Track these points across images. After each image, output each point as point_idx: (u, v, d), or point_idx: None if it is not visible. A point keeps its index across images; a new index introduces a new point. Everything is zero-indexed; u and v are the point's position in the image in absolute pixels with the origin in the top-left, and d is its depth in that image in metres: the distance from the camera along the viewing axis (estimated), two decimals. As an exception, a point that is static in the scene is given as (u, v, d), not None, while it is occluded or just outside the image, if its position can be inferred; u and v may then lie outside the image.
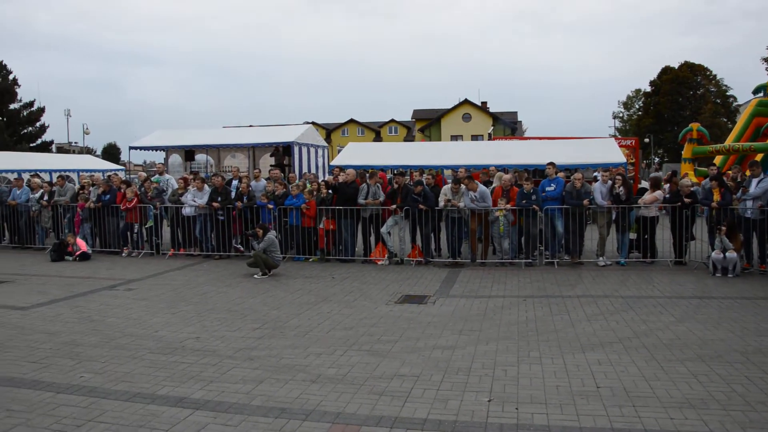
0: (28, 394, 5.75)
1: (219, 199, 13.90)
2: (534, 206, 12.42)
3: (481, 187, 12.91)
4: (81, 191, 15.72)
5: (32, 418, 5.18)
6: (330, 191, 13.65)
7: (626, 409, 5.15)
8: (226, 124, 59.20)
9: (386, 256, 13.12)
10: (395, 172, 15.07)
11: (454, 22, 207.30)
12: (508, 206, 12.59)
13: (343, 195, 13.37)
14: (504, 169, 15.94)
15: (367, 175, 14.12)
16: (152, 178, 15.77)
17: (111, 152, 76.00)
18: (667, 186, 13.43)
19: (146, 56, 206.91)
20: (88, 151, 64.41)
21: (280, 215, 13.71)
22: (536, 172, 15.16)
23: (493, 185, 13.81)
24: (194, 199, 14.10)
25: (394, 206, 12.97)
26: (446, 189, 13.17)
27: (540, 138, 26.39)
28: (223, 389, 5.74)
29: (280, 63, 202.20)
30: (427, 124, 70.24)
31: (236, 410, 5.25)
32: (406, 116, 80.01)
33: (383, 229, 13.07)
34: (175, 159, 29.00)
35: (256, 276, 11.65)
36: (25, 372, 6.38)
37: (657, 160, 58.18)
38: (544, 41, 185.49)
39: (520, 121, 76.36)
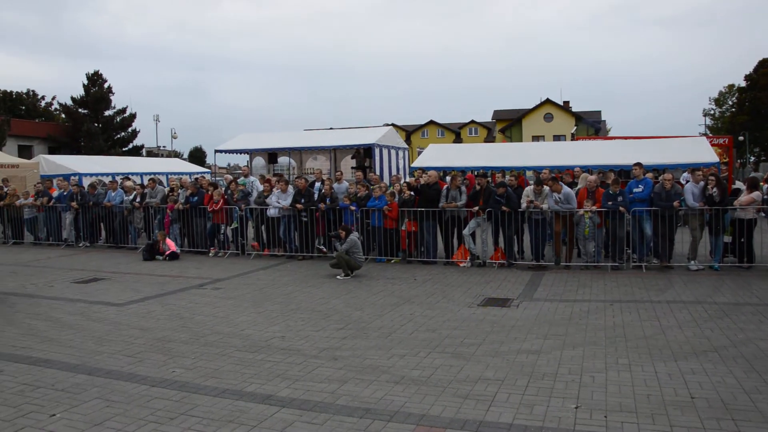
0: (125, 386, 5.99)
1: (302, 200, 14.12)
2: (621, 208, 12.05)
3: (566, 188, 12.64)
4: (170, 193, 16.30)
5: (129, 409, 5.39)
6: (412, 193, 13.66)
7: (725, 422, 4.90)
8: (308, 127, 60.32)
9: (468, 258, 13.02)
10: (477, 173, 14.95)
11: (536, 21, 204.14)
12: (594, 208, 12.28)
13: (426, 197, 13.35)
14: (588, 169, 15.57)
15: (448, 177, 14.05)
16: (238, 180, 16.16)
17: (197, 155, 78.36)
18: (766, 186, 12.78)
19: (231, 62, 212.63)
20: (176, 154, 66.68)
21: (363, 217, 13.82)
22: (621, 173, 14.72)
23: (578, 186, 13.50)
24: (278, 201, 14.39)
25: (476, 208, 12.86)
26: (529, 190, 12.95)
27: (625, 138, 25.66)
28: (308, 388, 5.82)
29: (361, 66, 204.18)
30: (508, 124, 69.37)
31: (321, 409, 5.31)
32: (487, 117, 79.26)
33: (465, 231, 12.97)
34: (259, 162, 29.71)
35: (338, 277, 11.78)
36: (122, 365, 6.65)
37: (753, 159, 55.59)
38: (628, 38, 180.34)
39: (604, 121, 74.38)
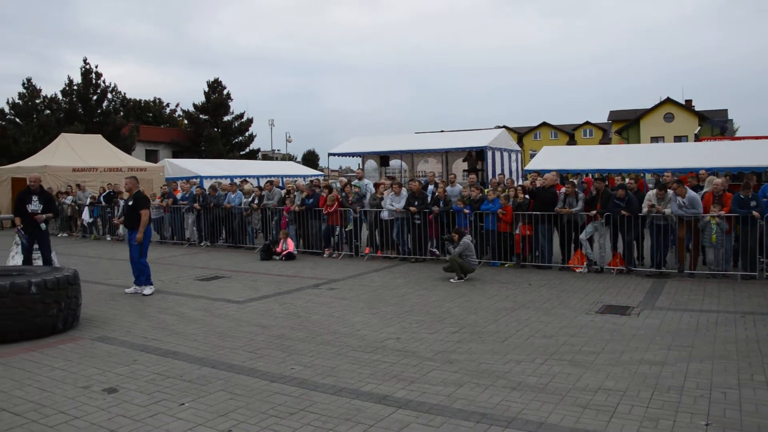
0: (247, 380, 6.21)
1: (416, 203, 14.17)
2: (753, 213, 11.33)
3: (690, 192, 12.01)
4: (287, 195, 16.80)
5: (251, 402, 5.58)
6: (527, 196, 13.42)
7: None
8: (418, 130, 60.54)
9: (585, 263, 12.64)
10: (595, 176, 14.49)
11: (653, 15, 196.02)
12: (722, 213, 11.61)
13: (541, 200, 13.08)
14: (715, 172, 14.78)
15: (574, 180, 13.68)
16: (352, 183, 16.43)
17: (310, 158, 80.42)
18: None
19: (339, 67, 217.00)
20: (290, 157, 68.65)
21: (476, 220, 13.70)
22: (757, 177, 13.85)
23: (704, 190, 12.82)
24: (392, 204, 14.52)
25: (593, 212, 12.47)
26: (651, 194, 12.41)
27: (756, 137, 24.18)
28: (424, 390, 5.82)
29: (468, 67, 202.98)
30: (625, 125, 66.80)
31: (437, 411, 5.30)
32: (602, 118, 76.75)
33: (582, 236, 12.61)
34: (371, 164, 30.10)
35: (452, 280, 11.73)
36: (243, 360, 6.90)
37: None
38: (756, 29, 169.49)
39: (731, 120, 70.19)
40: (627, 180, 14.08)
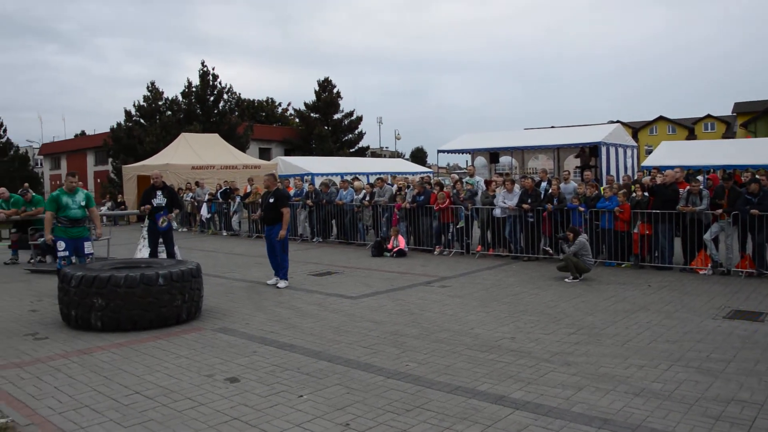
0: (362, 375, 6.27)
1: (529, 200, 13.91)
2: None
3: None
4: (398, 192, 16.90)
5: (368, 398, 5.63)
6: (646, 194, 12.87)
7: None
8: (526, 126, 59.38)
9: (709, 265, 11.99)
10: (719, 173, 13.73)
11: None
12: None
13: (661, 197, 12.51)
14: None
15: (699, 177, 13.01)
16: (464, 180, 16.32)
17: (418, 155, 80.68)
18: None
19: (445, 63, 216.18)
20: (398, 155, 69.12)
21: (592, 218, 13.29)
22: None
23: None
24: (504, 201, 14.31)
25: (719, 211, 11.80)
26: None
27: None
28: (541, 392, 5.69)
29: (577, 61, 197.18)
30: (752, 118, 62.84)
31: (556, 415, 5.16)
32: (725, 110, 72.61)
33: (706, 236, 11.96)
34: (480, 161, 29.85)
35: (566, 280, 11.43)
36: (359, 355, 6.98)
37: None
38: None
39: None
40: (757, 176, 13.23)
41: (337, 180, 24.57)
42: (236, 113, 44.02)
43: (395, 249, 15.14)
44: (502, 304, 9.62)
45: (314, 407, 5.42)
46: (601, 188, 13.51)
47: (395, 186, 18.25)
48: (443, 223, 15.50)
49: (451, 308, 9.37)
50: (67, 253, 10.21)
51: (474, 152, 28.34)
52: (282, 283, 11.33)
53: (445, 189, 15.83)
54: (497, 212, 14.52)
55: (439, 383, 5.99)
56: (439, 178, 25.01)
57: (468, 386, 5.89)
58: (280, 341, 7.65)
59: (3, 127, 46.50)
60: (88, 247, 10.52)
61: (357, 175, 25.74)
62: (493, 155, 28.69)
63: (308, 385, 6.02)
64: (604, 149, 23.18)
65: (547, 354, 6.91)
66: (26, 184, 19.92)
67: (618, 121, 53.28)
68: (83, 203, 10.47)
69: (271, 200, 11.38)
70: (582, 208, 13.22)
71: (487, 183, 16.57)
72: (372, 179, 23.27)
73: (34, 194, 15.79)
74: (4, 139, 46.39)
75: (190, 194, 24.76)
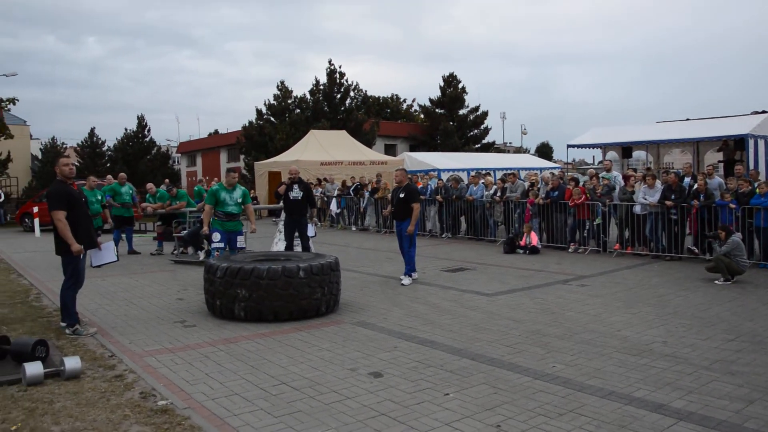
0: (508, 375, 6.08)
1: (672, 196, 13.14)
2: None
3: None
4: (531, 188, 16.48)
5: (516, 399, 5.44)
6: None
7: None
8: (658, 118, 56.48)
9: None
10: None
11: None
12: None
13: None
14: None
15: None
16: (600, 175, 15.68)
17: (543, 151, 78.74)
18: None
19: (567, 56, 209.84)
20: (523, 150, 67.71)
21: (744, 215, 12.37)
22: None
23: None
24: (645, 197, 13.61)
25: None
26: None
27: None
28: (705, 402, 5.28)
29: (709, 48, 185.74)
30: None
31: (727, 428, 4.75)
32: None
33: None
34: (611, 156, 28.64)
35: (717, 282, 10.69)
36: (502, 354, 6.79)
37: None
38: None
39: None
40: None
41: (464, 176, 24.36)
42: (362, 110, 44.63)
43: (528, 246, 14.76)
44: (647, 305, 9.11)
45: (462, 406, 5.30)
46: (757, 184, 12.51)
47: (527, 182, 17.82)
48: (579, 219, 14.96)
49: (592, 308, 8.97)
50: (222, 245, 10.69)
51: (605, 147, 27.19)
52: (407, 280, 11.25)
53: (580, 185, 15.25)
54: (637, 209, 13.82)
55: (590, 387, 5.70)
56: (572, 173, 24.23)
57: (622, 392, 5.57)
58: (419, 337, 7.58)
59: (147, 128, 49.46)
60: (240, 241, 10.98)
61: (483, 171, 25.42)
62: (626, 150, 27.43)
63: (453, 383, 5.90)
64: (751, 142, 21.59)
65: (706, 361, 6.44)
66: (167, 180, 21.08)
67: (764, 111, 49.71)
68: (239, 200, 10.92)
69: (402, 195, 11.35)
70: (733, 205, 12.33)
71: (626, 178, 15.81)
72: (498, 175, 22.88)
73: (178, 189, 16.64)
74: (147, 139, 49.29)
75: (319, 190, 25.33)
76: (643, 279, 11.31)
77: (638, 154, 29.55)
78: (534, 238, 14.89)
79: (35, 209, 23.41)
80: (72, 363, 6.09)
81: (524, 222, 15.76)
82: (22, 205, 28.75)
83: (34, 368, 5.90)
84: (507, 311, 8.90)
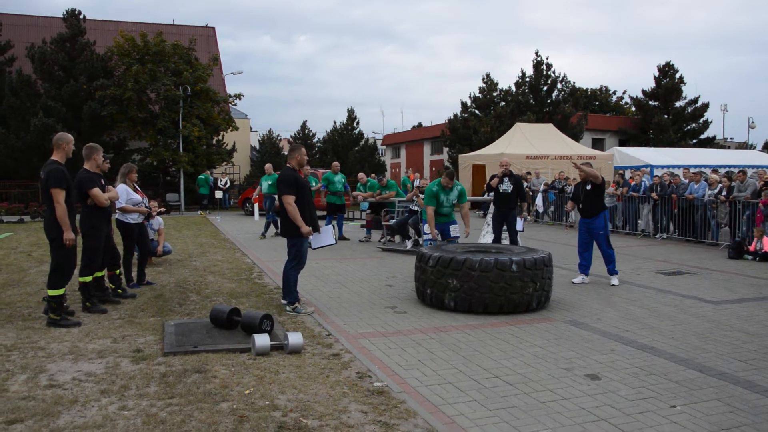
0: (744, 393, 5.47)
1: None
2: None
3: None
4: (764, 188, 14.89)
5: (758, 422, 4.85)
6: None
7: None
8: None
9: None
10: None
11: None
12: None
13: None
14: None
15: None
16: None
17: (769, 146, 71.31)
18: None
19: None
20: (747, 146, 61.82)
21: None
22: None
23: None
24: None
25: None
26: None
27: None
28: None
29: None
30: None
31: None
32: None
33: None
34: None
35: None
36: (735, 369, 6.13)
37: None
38: None
39: None
40: None
41: (678, 173, 22.69)
42: (569, 103, 43.15)
43: (760, 251, 13.34)
44: None
45: (692, 421, 4.84)
46: None
47: (758, 180, 16.14)
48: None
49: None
50: (430, 237, 10.83)
51: None
52: (615, 280, 10.61)
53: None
54: None
55: None
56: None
57: None
58: (638, 342, 7.09)
59: (356, 120, 51.55)
60: (453, 230, 11.04)
61: (704, 168, 23.48)
62: None
63: (679, 394, 5.42)
64: None
65: None
66: (372, 174, 21.81)
67: None
68: (455, 201, 11.01)
69: (588, 187, 10.67)
70: None
71: None
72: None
73: (388, 179, 17.13)
74: (356, 131, 51.36)
75: (526, 184, 24.85)
76: None
77: None
78: (766, 244, 13.43)
79: (255, 195, 25.24)
80: (295, 338, 6.42)
81: (755, 225, 14.27)
82: (244, 191, 31.20)
83: (262, 340, 6.32)
84: (737, 322, 8.06)
